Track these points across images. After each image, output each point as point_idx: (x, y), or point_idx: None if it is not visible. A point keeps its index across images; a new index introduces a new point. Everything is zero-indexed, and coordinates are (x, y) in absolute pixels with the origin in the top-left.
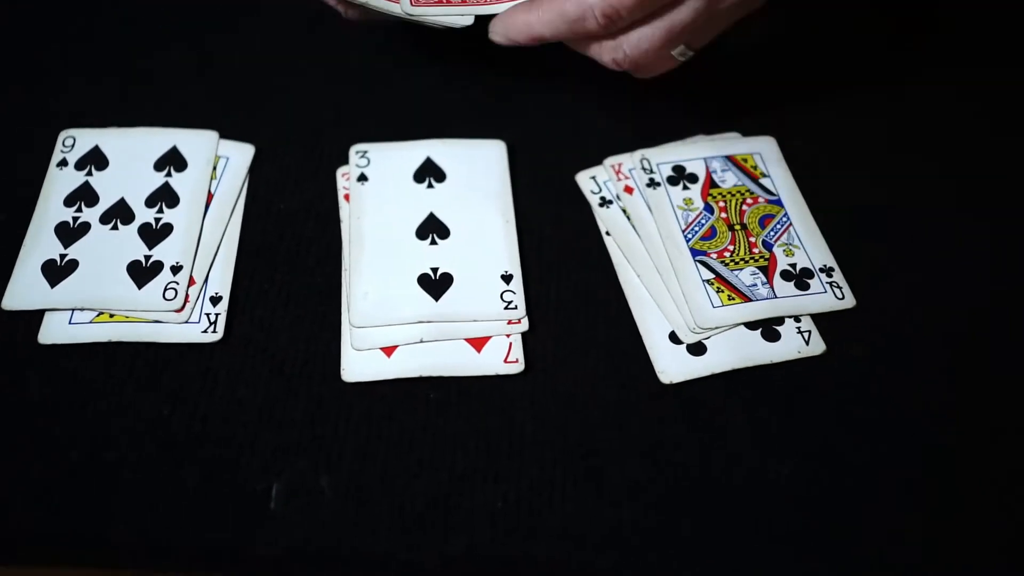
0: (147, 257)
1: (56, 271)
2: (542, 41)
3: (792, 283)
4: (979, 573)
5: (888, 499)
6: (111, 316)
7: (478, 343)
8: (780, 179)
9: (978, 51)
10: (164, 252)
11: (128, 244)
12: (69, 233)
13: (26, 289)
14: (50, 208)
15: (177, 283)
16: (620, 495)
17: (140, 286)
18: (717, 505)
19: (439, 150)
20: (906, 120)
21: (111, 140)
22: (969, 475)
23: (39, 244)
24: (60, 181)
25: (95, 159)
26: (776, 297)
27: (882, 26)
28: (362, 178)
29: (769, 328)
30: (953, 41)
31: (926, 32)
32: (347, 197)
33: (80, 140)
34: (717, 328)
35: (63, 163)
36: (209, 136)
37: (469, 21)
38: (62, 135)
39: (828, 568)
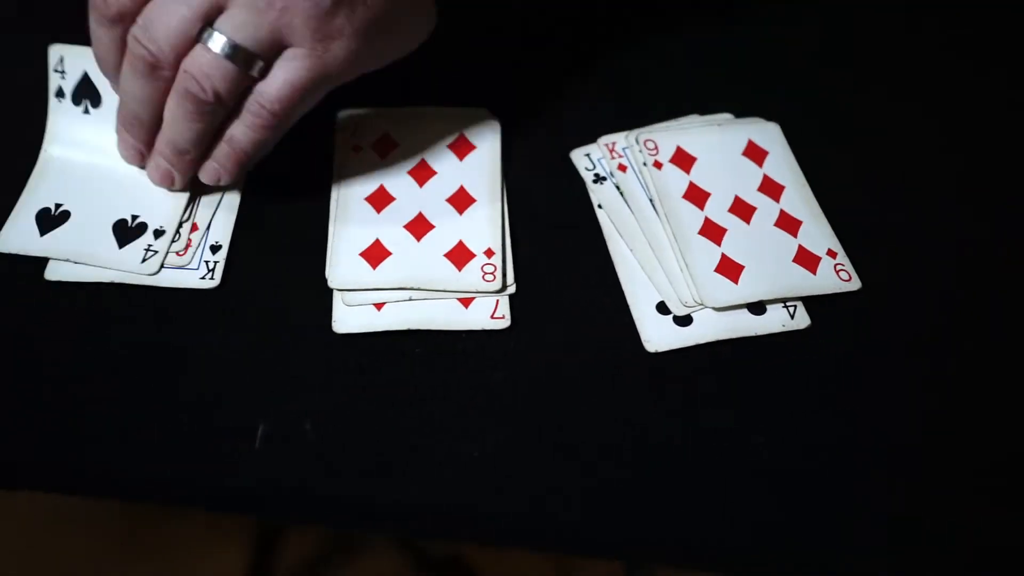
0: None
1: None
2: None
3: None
4: (948, 556)
5: (857, 477)
6: None
7: (466, 300)
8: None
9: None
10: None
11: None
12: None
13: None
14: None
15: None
16: (593, 456)
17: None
18: (686, 471)
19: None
20: (911, 96)
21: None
22: (938, 463)
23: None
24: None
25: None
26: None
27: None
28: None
29: (756, 302)
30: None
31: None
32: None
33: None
34: (722, 306)
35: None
36: None
37: None
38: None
39: (789, 540)
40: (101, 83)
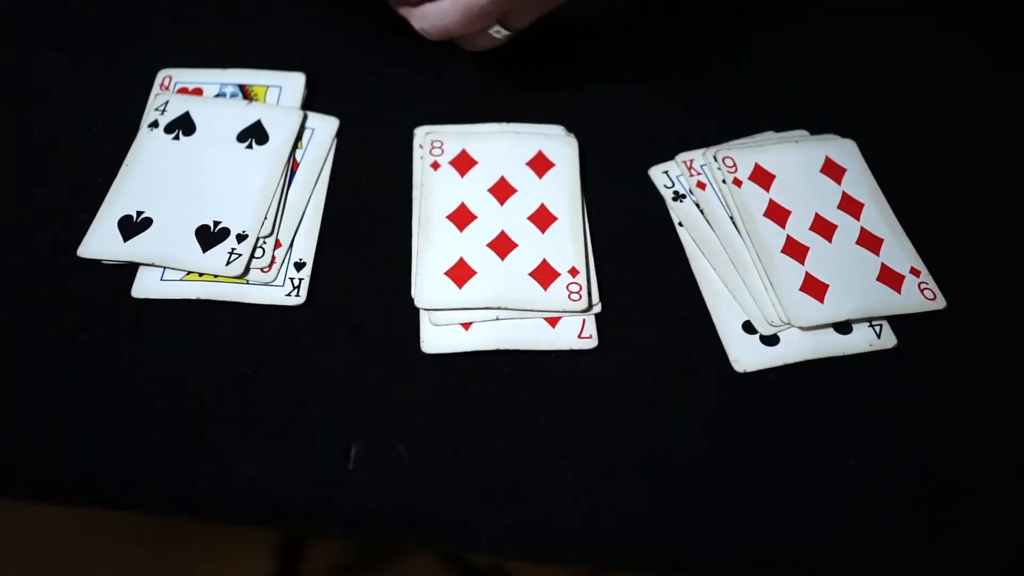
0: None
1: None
2: None
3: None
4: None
5: (940, 500)
6: (200, 275)
7: (553, 319)
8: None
9: None
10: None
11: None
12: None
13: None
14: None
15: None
16: (682, 475)
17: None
18: (776, 490)
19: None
20: (987, 108)
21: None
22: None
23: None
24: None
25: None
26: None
27: (965, 25)
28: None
29: (842, 321)
30: None
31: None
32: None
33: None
34: (809, 325)
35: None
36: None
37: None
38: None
39: (865, 559)
40: (199, 118)
